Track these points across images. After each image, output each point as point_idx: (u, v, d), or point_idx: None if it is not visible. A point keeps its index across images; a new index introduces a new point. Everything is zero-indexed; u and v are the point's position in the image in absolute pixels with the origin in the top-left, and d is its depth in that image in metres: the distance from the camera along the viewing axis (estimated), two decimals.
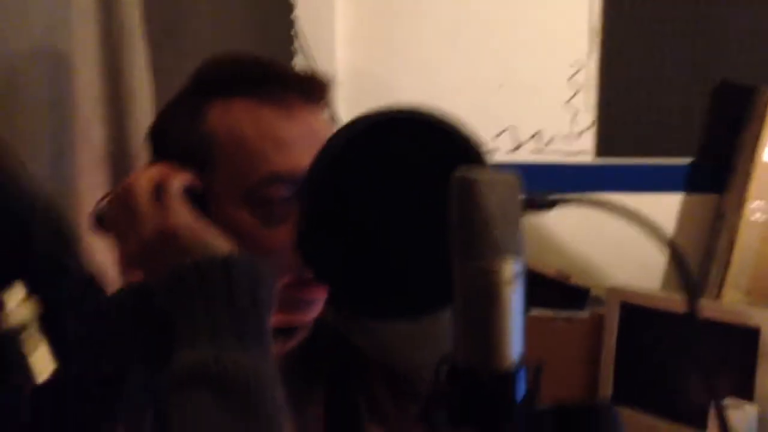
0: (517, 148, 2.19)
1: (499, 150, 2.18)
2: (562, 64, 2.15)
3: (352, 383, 0.85)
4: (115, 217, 0.68)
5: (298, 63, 2.12)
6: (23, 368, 0.38)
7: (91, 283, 0.48)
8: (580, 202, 0.62)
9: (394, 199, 0.55)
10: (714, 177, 2.10)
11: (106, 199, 0.72)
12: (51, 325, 0.39)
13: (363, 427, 0.86)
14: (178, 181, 0.69)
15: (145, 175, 0.70)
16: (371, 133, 0.57)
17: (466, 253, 0.49)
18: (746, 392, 1.62)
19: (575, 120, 2.16)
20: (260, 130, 0.73)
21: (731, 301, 1.91)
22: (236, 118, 0.74)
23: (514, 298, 0.49)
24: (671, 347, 1.82)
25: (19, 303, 0.39)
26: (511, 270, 0.49)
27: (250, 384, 0.59)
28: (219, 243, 0.66)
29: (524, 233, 0.51)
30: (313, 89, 0.77)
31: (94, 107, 1.02)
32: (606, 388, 1.92)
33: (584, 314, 2.00)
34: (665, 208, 2.17)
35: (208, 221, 0.68)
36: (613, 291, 1.93)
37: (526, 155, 2.18)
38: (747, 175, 1.95)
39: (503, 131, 2.18)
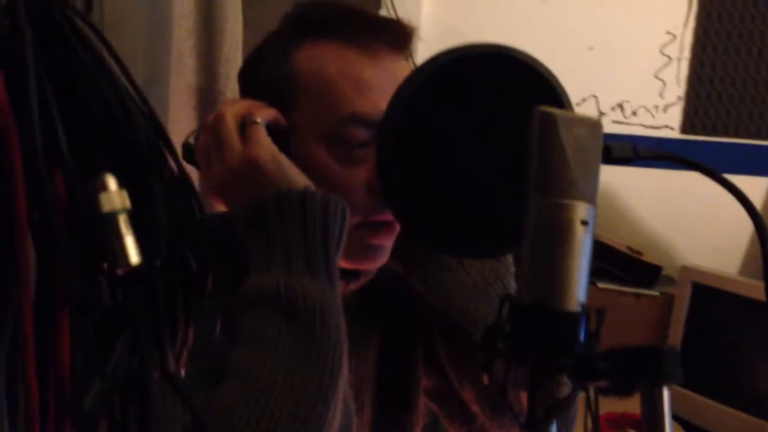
0: (599, 117, 2.13)
1: None
2: (655, 31, 2.07)
3: (409, 330, 0.86)
4: (204, 145, 0.71)
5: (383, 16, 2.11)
6: (117, 251, 0.40)
7: (183, 183, 0.50)
8: (666, 158, 0.60)
9: (473, 134, 0.55)
10: None
11: (195, 133, 0.75)
12: (140, 220, 0.42)
13: (417, 374, 0.88)
14: (263, 115, 0.71)
15: (232, 107, 0.72)
16: (451, 67, 0.57)
17: (541, 188, 0.49)
18: None
19: (663, 93, 2.09)
20: (344, 71, 0.75)
21: None
22: (322, 58, 0.76)
23: (585, 239, 0.48)
24: (742, 333, 1.77)
25: (112, 191, 0.41)
26: (584, 211, 0.48)
27: (315, 310, 0.61)
28: (297, 177, 0.68)
29: (598, 176, 0.50)
30: (399, 36, 0.78)
31: (187, 38, 1.04)
32: None
33: (654, 292, 1.95)
34: (751, 192, 2.07)
35: (288, 156, 0.70)
36: (687, 270, 1.88)
37: (608, 125, 2.11)
38: None
39: (585, 99, 2.13)
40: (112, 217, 0.41)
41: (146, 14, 0.98)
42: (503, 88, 0.57)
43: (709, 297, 1.83)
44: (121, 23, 0.93)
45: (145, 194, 0.45)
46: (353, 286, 0.80)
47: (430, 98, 0.56)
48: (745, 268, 2.10)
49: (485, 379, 0.49)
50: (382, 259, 0.78)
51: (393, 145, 0.57)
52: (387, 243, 0.77)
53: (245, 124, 0.70)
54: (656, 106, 2.10)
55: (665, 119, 2.10)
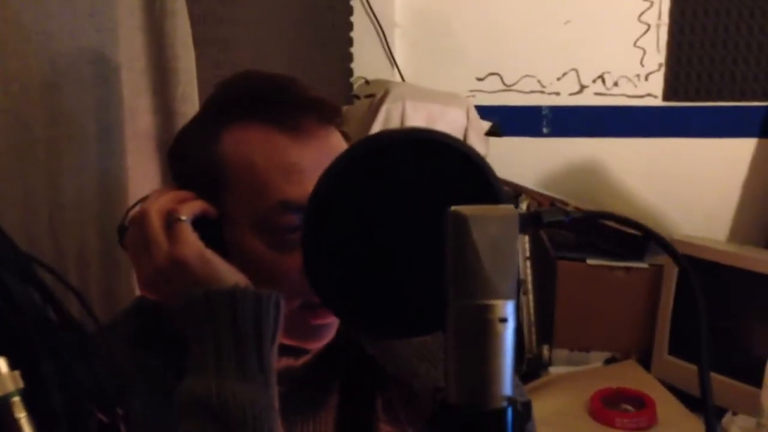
0: (580, 90, 2.11)
1: (561, 93, 2.11)
2: (631, 0, 2.04)
3: (366, 385, 0.87)
4: (132, 241, 0.71)
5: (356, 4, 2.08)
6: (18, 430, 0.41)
7: (82, 345, 0.51)
8: (583, 218, 0.60)
9: (398, 222, 0.55)
10: None
11: (131, 214, 0.75)
12: (33, 400, 0.42)
13: (374, 425, 0.89)
14: (187, 211, 0.71)
15: (157, 203, 0.72)
16: (376, 155, 0.56)
17: (457, 289, 0.49)
18: None
19: (643, 61, 2.06)
20: (272, 157, 0.74)
21: None
22: (249, 144, 0.75)
23: (505, 336, 0.49)
24: (731, 302, 1.78)
25: (3, 374, 0.42)
26: (503, 311, 0.49)
27: (247, 418, 0.62)
28: (226, 273, 0.68)
29: (517, 268, 0.50)
30: (325, 111, 0.77)
31: (140, 79, 1.04)
32: (662, 339, 1.90)
33: (644, 265, 1.96)
34: (737, 153, 2.07)
35: (219, 249, 0.70)
36: (675, 242, 1.88)
37: (590, 98, 2.11)
38: None
39: (566, 72, 2.10)
40: (4, 402, 0.42)
41: (91, 67, 0.97)
42: (434, 175, 0.56)
43: (698, 267, 1.83)
44: (65, 77, 0.93)
45: (37, 380, 0.45)
46: (304, 359, 0.81)
47: (357, 184, 0.56)
48: (734, 234, 2.09)
49: None
50: (328, 336, 0.79)
51: (317, 231, 0.57)
52: (331, 320, 0.77)
53: (170, 222, 0.70)
54: (638, 75, 2.08)
55: (647, 88, 2.08)
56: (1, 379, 0.43)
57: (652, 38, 2.04)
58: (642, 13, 2.03)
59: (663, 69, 2.06)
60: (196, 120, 0.80)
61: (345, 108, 2.17)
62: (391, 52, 2.12)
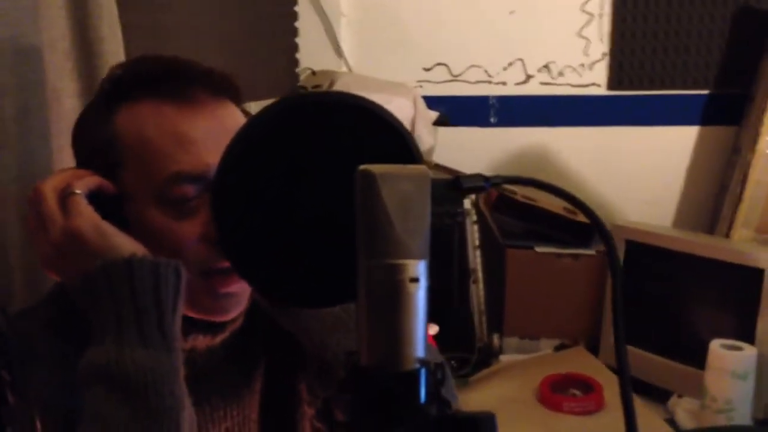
0: (526, 80, 2.12)
1: (508, 83, 2.12)
2: None
3: (289, 365, 0.86)
4: (29, 221, 0.70)
5: None
6: None
7: None
8: (514, 181, 0.59)
9: (310, 186, 0.54)
10: (731, 108, 2.03)
11: None
12: None
13: (300, 408, 0.88)
14: (82, 185, 0.71)
15: (51, 180, 0.71)
16: (282, 119, 0.55)
17: (367, 249, 0.48)
18: (748, 334, 1.61)
19: (587, 51, 2.08)
20: (163, 129, 0.74)
21: (740, 240, 1.87)
22: (140, 119, 0.75)
23: (417, 296, 0.48)
24: (675, 286, 1.80)
25: None
26: (414, 270, 0.47)
27: (147, 383, 0.61)
28: (123, 243, 0.68)
29: (429, 230, 0.49)
30: (217, 83, 0.77)
31: (65, 61, 1.00)
32: (609, 325, 1.92)
33: (591, 251, 1.97)
34: (681, 141, 2.11)
35: (120, 224, 0.69)
36: (619, 228, 1.90)
37: (536, 88, 2.12)
38: (764, 108, 1.87)
39: (512, 62, 2.11)
40: None
41: (9, 45, 0.94)
42: (348, 138, 0.55)
43: (642, 253, 1.85)
44: None
45: None
46: (220, 337, 0.80)
47: (267, 148, 0.55)
48: (678, 220, 2.13)
49: None
50: (237, 307, 0.78)
51: (226, 197, 0.56)
52: (237, 289, 0.76)
53: (65, 196, 0.69)
54: (582, 65, 2.10)
55: (592, 77, 2.10)
56: None
57: (596, 28, 2.06)
58: (585, 3, 2.05)
59: (607, 58, 2.08)
60: (92, 103, 0.81)
61: None
62: (337, 43, 2.11)
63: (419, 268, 0.48)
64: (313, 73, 2.14)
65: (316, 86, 2.09)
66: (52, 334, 0.71)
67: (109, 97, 0.77)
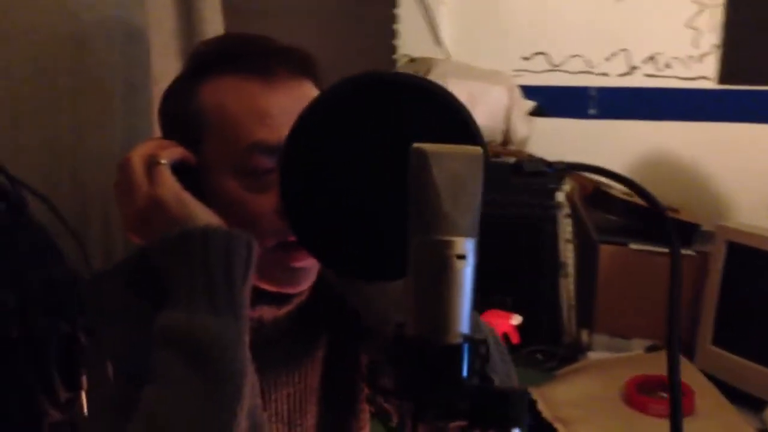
0: (630, 71, 2.06)
1: (610, 74, 2.06)
2: None
3: (351, 340, 0.88)
4: (118, 186, 0.74)
5: None
6: None
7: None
8: (574, 168, 0.59)
9: (375, 162, 0.56)
10: None
11: None
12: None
13: (360, 380, 0.90)
14: (167, 155, 0.74)
15: (139, 150, 0.75)
16: (352, 96, 0.57)
17: (417, 225, 0.49)
18: None
19: (697, 42, 2.00)
20: (243, 102, 0.76)
21: None
22: (222, 93, 0.77)
23: (463, 273, 0.49)
24: None
25: None
26: (461, 247, 0.48)
27: (213, 348, 0.65)
28: (200, 213, 0.71)
29: (478, 208, 0.50)
30: (297, 61, 0.79)
31: (169, 41, 1.06)
32: (706, 329, 1.85)
33: (689, 252, 1.90)
34: None
35: (198, 195, 0.73)
36: (721, 229, 1.82)
37: (640, 79, 2.05)
38: None
39: (616, 53, 2.06)
40: None
41: (117, 24, 1.00)
42: (402, 116, 0.56)
43: (744, 255, 1.77)
44: (90, 33, 0.96)
45: None
46: (286, 309, 0.83)
47: (335, 124, 0.57)
48: None
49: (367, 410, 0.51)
50: (307, 280, 0.80)
51: (294, 171, 0.58)
52: (309, 264, 0.78)
53: (151, 165, 0.73)
54: (690, 57, 2.01)
55: (701, 69, 2.01)
56: None
57: (707, 18, 1.98)
58: None
59: (718, 50, 1.99)
60: (178, 77, 0.84)
61: None
62: (436, 30, 2.11)
63: (467, 246, 0.49)
64: (412, 60, 2.16)
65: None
66: (132, 293, 0.76)
67: (195, 71, 0.80)
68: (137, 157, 0.73)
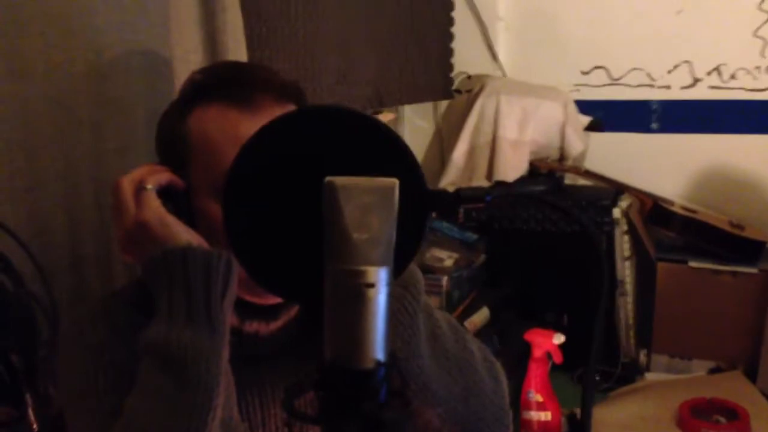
0: (693, 83, 2.00)
1: (672, 86, 2.01)
2: None
3: None
4: (112, 210, 0.80)
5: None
6: None
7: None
8: (501, 197, 0.60)
9: (301, 193, 0.58)
10: None
11: None
12: None
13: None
14: (153, 181, 0.79)
15: (130, 175, 0.81)
16: (285, 127, 0.60)
17: (330, 255, 0.52)
18: None
19: (765, 52, 1.92)
20: (223, 129, 0.81)
21: None
22: (206, 121, 0.82)
23: (376, 300, 0.51)
24: None
25: None
26: (371, 276, 0.51)
27: (186, 358, 0.69)
28: (182, 235, 0.76)
29: (393, 239, 0.52)
30: (280, 88, 0.83)
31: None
32: None
33: (752, 269, 1.82)
34: None
35: (180, 214, 0.78)
36: None
37: (704, 92, 1.99)
38: None
39: (678, 65, 2.00)
40: None
41: (140, 58, 1.07)
42: (346, 148, 0.58)
43: None
44: (112, 67, 1.03)
45: None
46: (275, 324, 0.86)
47: (272, 153, 0.60)
48: None
49: None
50: None
51: (235, 194, 0.61)
52: None
53: (138, 190, 0.78)
54: (758, 67, 1.93)
55: (767, 81, 1.93)
56: None
57: None
58: (763, 1, 1.89)
59: None
60: (172, 104, 0.89)
61: (447, 102, 2.19)
62: (492, 47, 2.12)
63: (378, 275, 0.51)
64: (469, 77, 2.17)
65: (469, 90, 2.12)
66: (132, 308, 0.82)
67: (186, 98, 0.85)
68: (127, 182, 0.79)
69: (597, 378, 1.88)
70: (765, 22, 1.90)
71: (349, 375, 0.51)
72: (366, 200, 0.51)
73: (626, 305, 1.95)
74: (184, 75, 1.04)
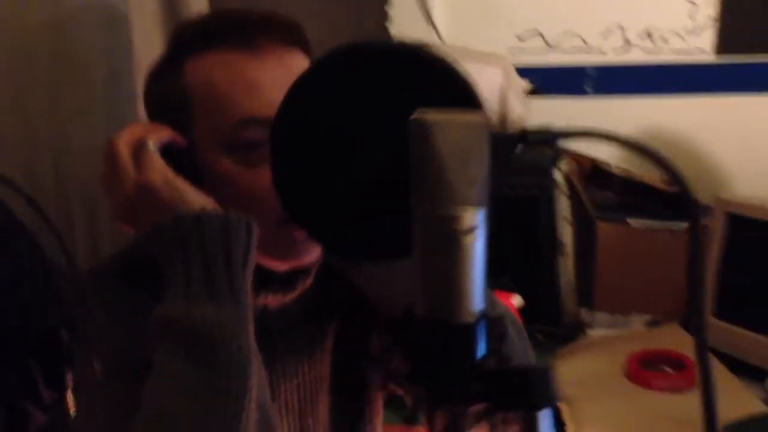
0: (627, 47, 2.04)
1: (606, 51, 2.04)
2: None
3: (361, 324, 0.86)
4: (103, 175, 0.71)
5: None
6: None
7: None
8: (581, 135, 0.57)
9: (371, 136, 0.54)
10: None
11: None
12: None
13: (369, 365, 0.88)
14: (155, 138, 0.71)
15: (124, 135, 0.72)
16: (345, 65, 0.55)
17: (421, 199, 0.47)
18: None
19: (694, 15, 1.98)
20: (230, 75, 0.74)
21: None
22: (208, 68, 0.75)
23: (473, 246, 0.47)
24: None
25: None
26: (470, 219, 0.47)
27: (215, 336, 0.61)
28: (194, 198, 0.68)
29: (489, 177, 0.48)
30: (285, 30, 0.76)
31: (152, 29, 1.04)
32: (706, 301, 1.84)
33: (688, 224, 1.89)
34: None
35: (191, 177, 0.70)
36: (720, 201, 1.81)
37: (638, 55, 2.03)
38: None
39: (611, 29, 2.03)
40: None
41: (97, 11, 0.97)
42: (406, 84, 0.54)
43: (745, 227, 1.76)
44: (72, 25, 0.93)
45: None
46: (291, 296, 0.81)
47: (328, 95, 0.55)
48: None
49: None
50: (312, 252, 0.77)
51: (285, 146, 0.56)
52: None
53: (137, 150, 0.70)
54: (687, 30, 1.99)
55: (698, 42, 1.99)
56: None
57: None
58: None
59: (715, 22, 1.97)
60: (161, 59, 0.81)
61: None
62: (429, 12, 2.09)
63: (476, 217, 0.47)
64: None
65: None
66: (127, 286, 0.74)
67: (178, 50, 0.78)
68: (123, 142, 0.71)
69: (540, 338, 1.92)
70: None
71: (449, 330, 0.47)
72: (460, 136, 0.47)
73: (567, 266, 1.98)
74: (141, 30, 0.96)
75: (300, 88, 0.55)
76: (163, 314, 0.64)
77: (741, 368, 1.67)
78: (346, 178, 0.55)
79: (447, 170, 0.46)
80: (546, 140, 0.55)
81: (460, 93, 0.55)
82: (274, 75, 0.73)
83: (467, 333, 0.47)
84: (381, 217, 0.55)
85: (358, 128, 0.54)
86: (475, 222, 0.47)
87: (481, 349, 0.47)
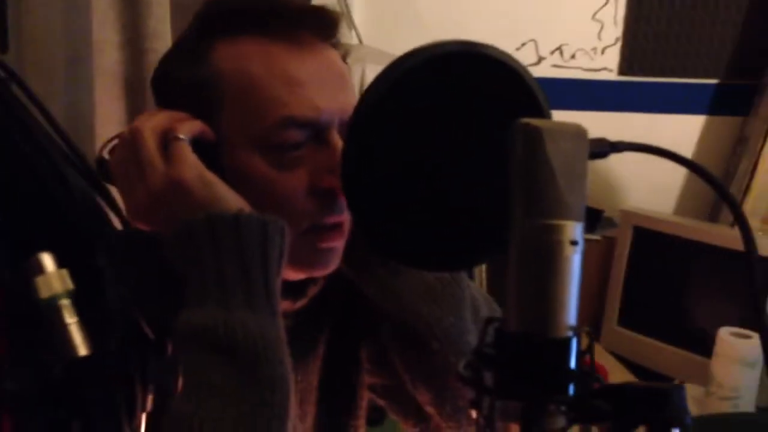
0: (538, 62, 2.10)
1: None
2: None
3: (352, 333, 0.83)
4: (121, 166, 0.64)
5: None
6: (61, 343, 0.35)
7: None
8: (639, 149, 0.57)
9: (445, 141, 0.51)
10: (740, 99, 2.04)
11: (109, 145, 0.67)
12: (82, 303, 0.36)
13: (360, 378, 0.84)
14: (186, 130, 0.64)
15: (151, 121, 0.64)
16: (424, 69, 0.51)
17: (526, 208, 0.45)
18: (753, 323, 1.62)
19: (601, 34, 2.07)
20: (270, 69, 0.67)
21: None
22: (244, 57, 0.68)
23: (574, 260, 0.45)
24: (682, 274, 1.81)
25: (50, 273, 0.35)
26: (573, 231, 0.45)
27: (258, 349, 0.57)
28: (229, 198, 0.62)
29: (586, 190, 0.47)
30: (325, 24, 0.71)
31: (108, 9, 0.95)
32: (612, 311, 1.93)
33: (596, 236, 1.97)
34: (688, 129, 2.12)
35: (217, 174, 0.64)
36: (627, 214, 1.90)
37: (547, 70, 2.10)
38: None
39: (524, 44, 2.09)
40: (52, 304, 0.35)
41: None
42: (480, 89, 0.52)
43: (649, 239, 1.86)
44: (32, 7, 0.84)
45: (91, 274, 0.39)
46: (300, 303, 0.76)
47: (398, 104, 0.51)
48: (681, 207, 2.14)
49: (473, 414, 0.46)
50: (335, 261, 0.73)
51: (359, 149, 0.52)
52: (338, 244, 0.71)
53: (167, 141, 0.63)
54: (594, 49, 2.09)
55: (604, 61, 2.09)
56: (47, 278, 0.36)
57: (611, 11, 2.05)
58: None
59: (619, 43, 2.07)
60: (182, 40, 0.72)
61: None
62: (350, 14, 2.06)
63: (579, 230, 0.45)
64: None
65: None
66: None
67: (205, 31, 0.70)
68: (149, 130, 0.63)
69: None
70: (603, 6, 2.05)
71: (544, 343, 0.45)
72: (567, 146, 0.45)
73: (481, 275, 2.02)
74: (98, 14, 0.88)
75: (380, 89, 0.51)
76: (194, 320, 0.57)
77: (643, 373, 1.75)
78: (411, 183, 0.51)
79: (557, 180, 0.44)
80: (603, 153, 0.54)
81: (531, 99, 0.53)
82: (316, 71, 0.68)
83: (564, 347, 0.45)
84: (451, 226, 0.52)
85: (433, 134, 0.51)
86: (578, 234, 0.45)
87: (573, 364, 0.46)
